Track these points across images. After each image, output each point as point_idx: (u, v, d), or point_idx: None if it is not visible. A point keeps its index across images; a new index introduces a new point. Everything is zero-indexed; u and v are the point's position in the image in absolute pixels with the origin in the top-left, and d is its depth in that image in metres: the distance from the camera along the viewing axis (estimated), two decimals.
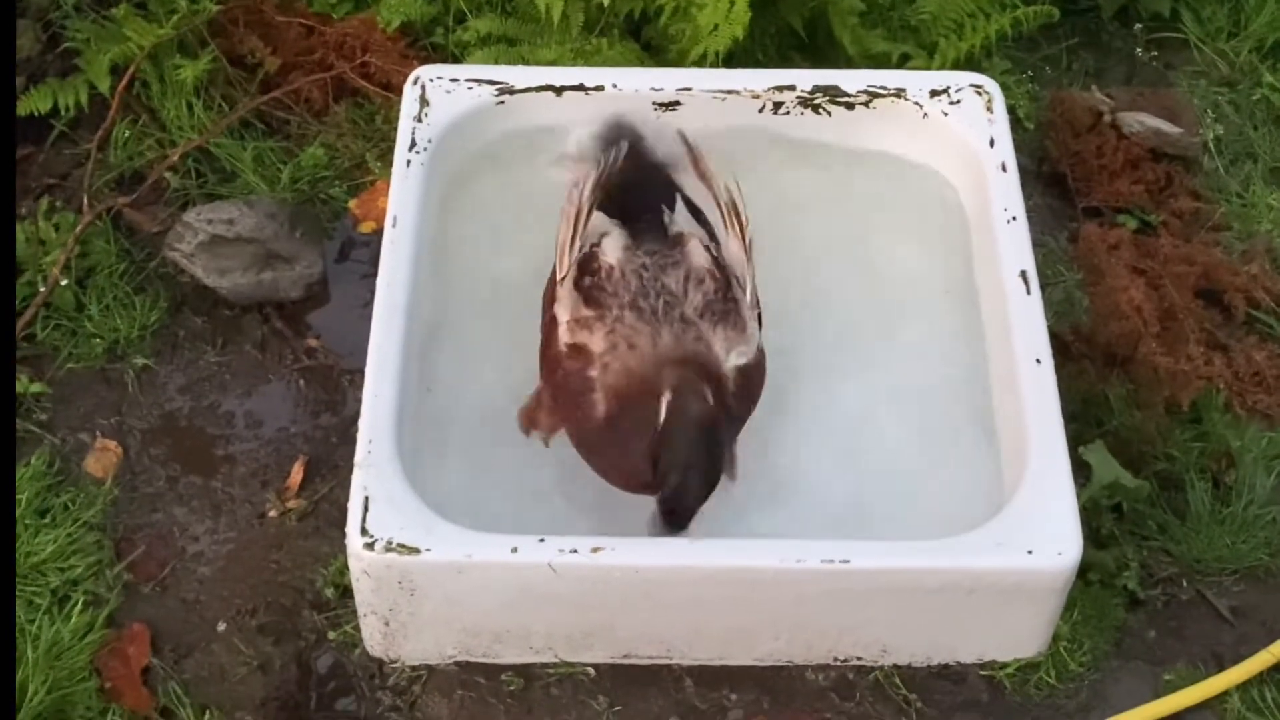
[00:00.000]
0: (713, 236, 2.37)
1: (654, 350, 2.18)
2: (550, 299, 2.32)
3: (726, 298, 2.25)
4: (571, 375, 2.21)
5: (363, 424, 2.24)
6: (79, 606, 2.32)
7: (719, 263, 2.29)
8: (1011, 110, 2.92)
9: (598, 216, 2.34)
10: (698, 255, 2.29)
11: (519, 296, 2.52)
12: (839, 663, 2.29)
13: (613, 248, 2.30)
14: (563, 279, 2.29)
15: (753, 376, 2.24)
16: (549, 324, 2.29)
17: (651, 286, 2.23)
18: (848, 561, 2.13)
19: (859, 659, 2.28)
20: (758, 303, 2.30)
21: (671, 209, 2.38)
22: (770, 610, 2.20)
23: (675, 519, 2.09)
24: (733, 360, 2.21)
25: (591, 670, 2.28)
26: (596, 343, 2.20)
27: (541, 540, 2.14)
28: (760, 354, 2.27)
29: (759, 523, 2.29)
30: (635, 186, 2.36)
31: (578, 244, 2.30)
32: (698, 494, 2.09)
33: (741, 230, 2.31)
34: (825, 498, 2.34)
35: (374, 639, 2.28)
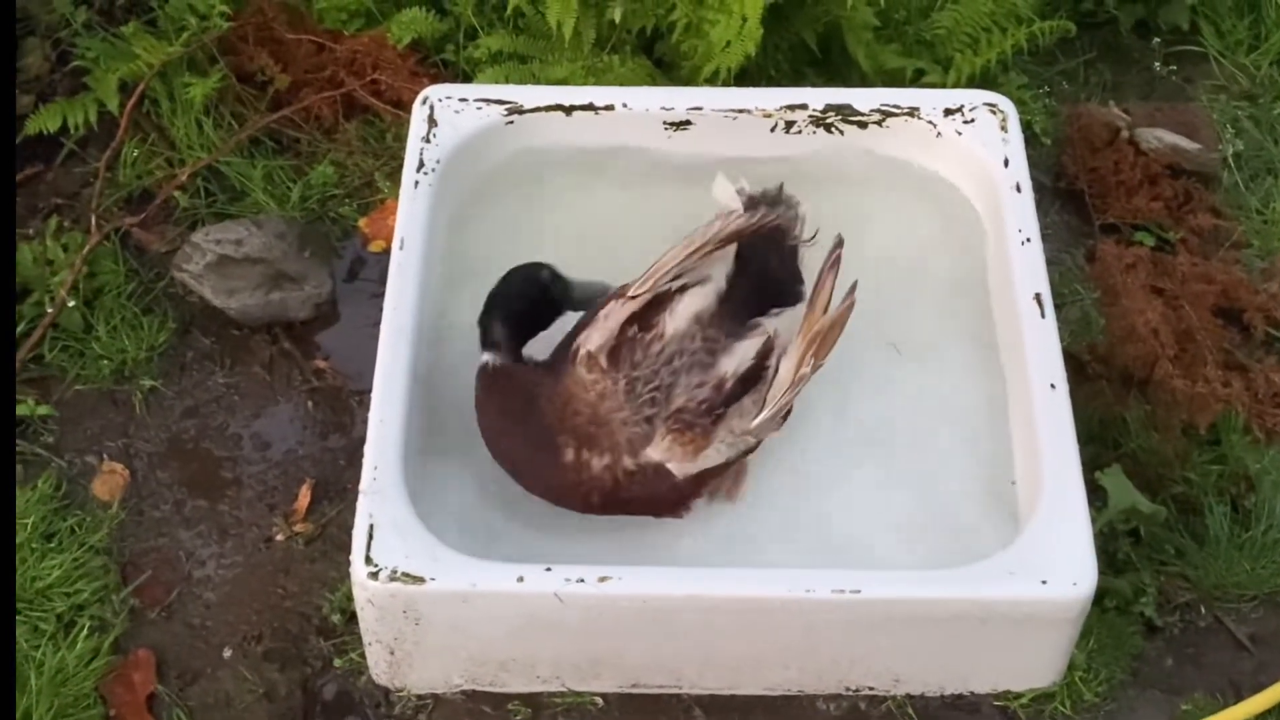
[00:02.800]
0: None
1: (603, 413, 2.23)
2: (613, 297, 2.32)
3: (707, 413, 2.24)
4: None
5: (368, 450, 2.22)
6: (84, 632, 2.30)
7: (744, 378, 2.26)
8: (1028, 126, 2.89)
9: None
10: (733, 360, 2.26)
11: None
12: (850, 692, 2.26)
13: (685, 311, 2.29)
14: (631, 297, 2.30)
15: (658, 484, 2.23)
16: (586, 322, 2.31)
17: (662, 377, 2.25)
18: (858, 591, 2.10)
19: (871, 689, 2.25)
20: (777, 423, 2.29)
21: (784, 300, 2.36)
22: (780, 640, 2.18)
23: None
24: (651, 456, 2.22)
25: (600, 699, 2.26)
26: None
27: (548, 569, 2.12)
28: (684, 480, 2.24)
29: (772, 552, 2.26)
30: (768, 258, 2.38)
31: (670, 275, 2.31)
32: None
33: (803, 363, 2.25)
34: (836, 524, 2.31)
35: (379, 667, 2.25)
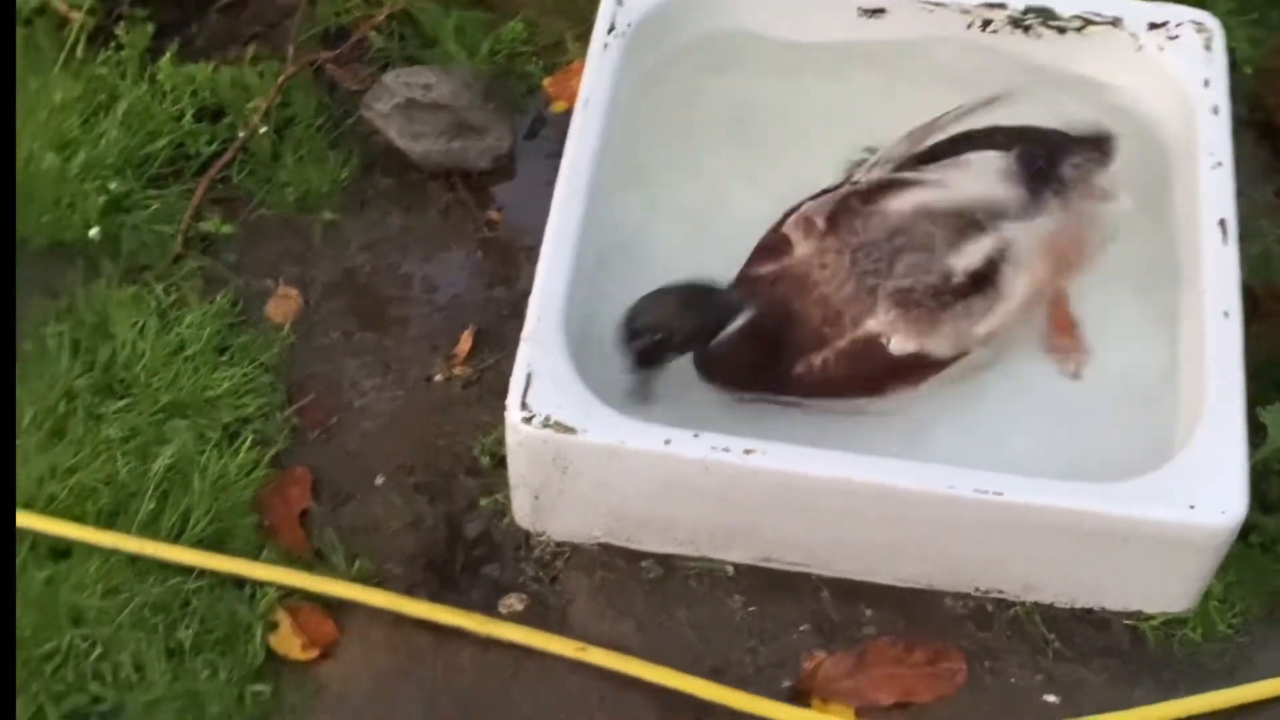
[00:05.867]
0: None
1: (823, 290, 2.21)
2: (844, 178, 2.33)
3: (934, 297, 2.19)
4: (769, 246, 2.28)
5: (533, 300, 2.27)
6: (247, 444, 2.40)
7: (975, 277, 2.21)
8: (1230, 52, 2.79)
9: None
10: (962, 259, 2.21)
11: (703, 188, 2.52)
12: (979, 593, 2.27)
13: (911, 200, 2.24)
14: (854, 182, 2.30)
15: (866, 360, 2.19)
16: (798, 205, 2.31)
17: (883, 249, 2.21)
18: (1001, 494, 2.10)
19: (1000, 592, 2.26)
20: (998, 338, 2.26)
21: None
22: (918, 533, 2.19)
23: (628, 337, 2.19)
24: (870, 328, 2.19)
25: (731, 568, 2.30)
26: (801, 247, 2.23)
27: (696, 435, 2.16)
28: (897, 359, 2.20)
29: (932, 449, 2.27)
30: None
31: (901, 167, 2.30)
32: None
33: (1040, 282, 2.23)
34: (997, 428, 2.31)
35: (523, 511, 2.32)
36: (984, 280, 2.23)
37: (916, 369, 2.24)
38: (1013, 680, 2.21)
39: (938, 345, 2.22)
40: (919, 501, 2.13)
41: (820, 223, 2.26)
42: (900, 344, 2.21)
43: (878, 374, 2.24)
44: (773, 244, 2.29)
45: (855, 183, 2.33)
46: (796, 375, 2.22)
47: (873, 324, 2.21)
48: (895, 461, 2.16)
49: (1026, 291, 2.22)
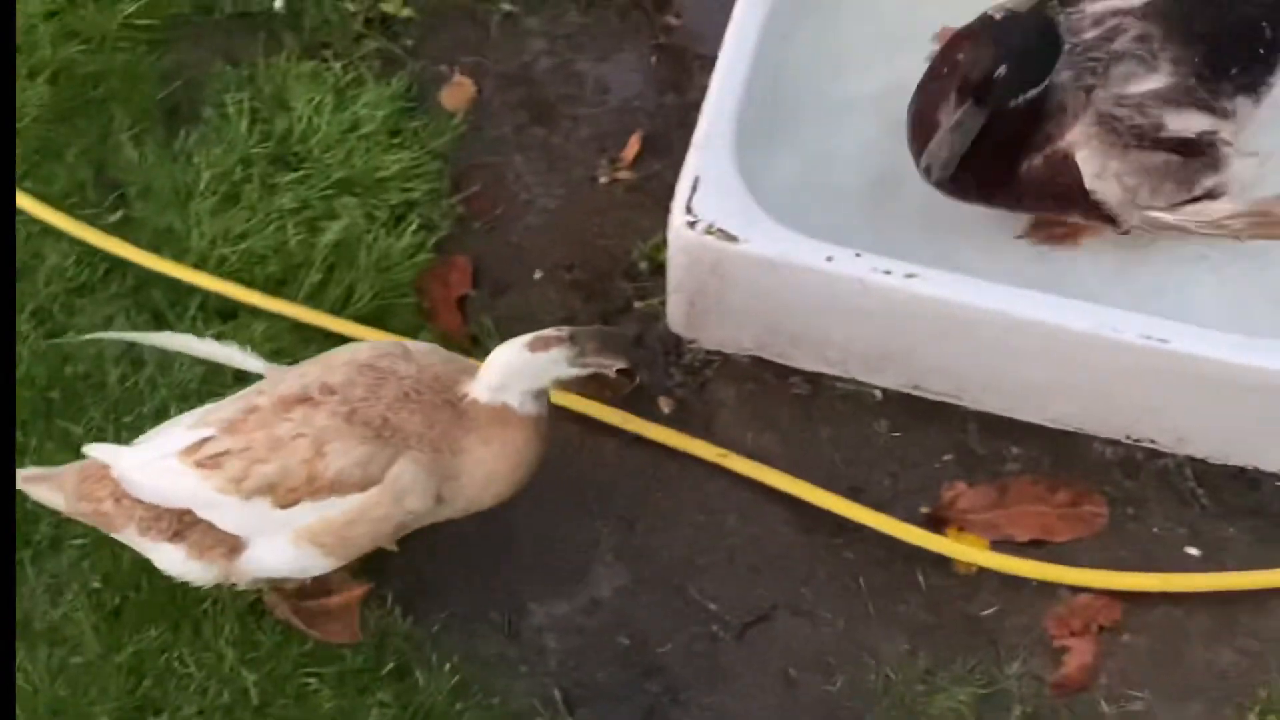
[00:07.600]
0: None
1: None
2: None
3: (1133, 133, 2.11)
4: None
5: (707, 106, 2.25)
6: (413, 227, 2.43)
7: (1182, 144, 2.11)
8: None
9: None
10: (1178, 120, 2.11)
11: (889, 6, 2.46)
12: (1130, 441, 2.23)
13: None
14: None
15: (1058, 173, 2.13)
16: None
17: (1099, 50, 2.12)
18: (1166, 341, 2.06)
19: (1153, 442, 2.23)
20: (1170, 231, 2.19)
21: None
22: (1075, 375, 2.16)
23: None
24: (1067, 138, 2.11)
25: (879, 393, 2.29)
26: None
27: (857, 254, 2.14)
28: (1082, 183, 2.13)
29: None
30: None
31: None
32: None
33: (1236, 221, 2.13)
34: (1163, 281, 2.27)
35: (677, 316, 2.33)
36: (1189, 153, 2.12)
37: (1089, 201, 2.15)
38: (1155, 530, 2.19)
39: (1111, 186, 2.13)
40: (1080, 342, 2.10)
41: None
42: (1087, 161, 2.12)
43: (1065, 192, 2.15)
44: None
45: None
46: (1021, 175, 2.15)
47: (1070, 135, 2.12)
48: (1060, 300, 2.12)
49: (1216, 219, 2.12)
